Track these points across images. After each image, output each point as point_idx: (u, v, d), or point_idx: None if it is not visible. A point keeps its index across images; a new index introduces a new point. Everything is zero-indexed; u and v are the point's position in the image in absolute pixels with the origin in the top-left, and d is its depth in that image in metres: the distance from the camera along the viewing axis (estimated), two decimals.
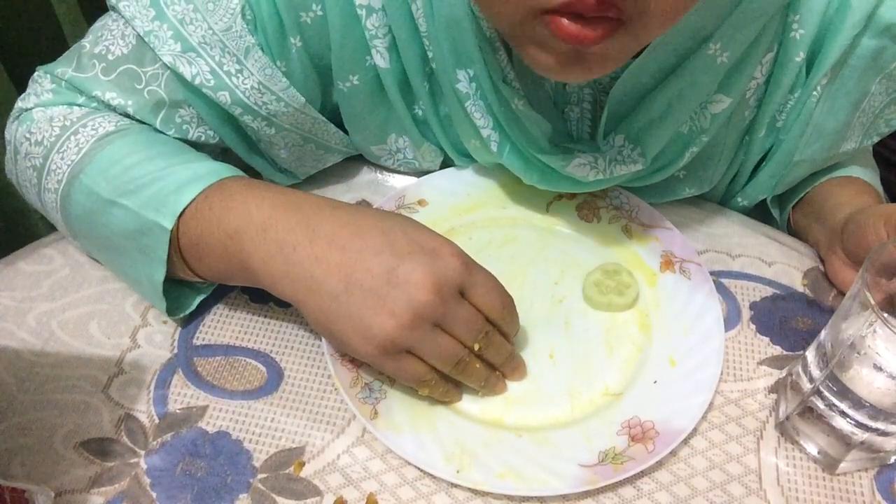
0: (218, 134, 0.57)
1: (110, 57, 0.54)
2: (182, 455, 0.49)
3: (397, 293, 0.45)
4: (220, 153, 0.60)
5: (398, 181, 0.66)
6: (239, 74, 0.53)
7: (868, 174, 0.64)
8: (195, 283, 0.54)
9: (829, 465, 0.50)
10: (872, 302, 0.42)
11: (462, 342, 0.48)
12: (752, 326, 0.57)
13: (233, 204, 0.49)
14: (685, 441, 0.50)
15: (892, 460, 0.50)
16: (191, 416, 0.51)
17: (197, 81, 0.52)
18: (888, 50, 0.52)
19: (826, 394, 0.47)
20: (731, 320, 0.57)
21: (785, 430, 0.51)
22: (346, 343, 0.47)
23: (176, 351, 0.54)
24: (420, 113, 0.60)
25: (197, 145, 0.57)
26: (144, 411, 0.51)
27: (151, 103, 0.54)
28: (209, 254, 0.50)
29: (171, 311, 0.53)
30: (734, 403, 0.53)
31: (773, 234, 0.63)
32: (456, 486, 0.48)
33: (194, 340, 0.55)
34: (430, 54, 0.55)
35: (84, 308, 0.56)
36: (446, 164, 0.65)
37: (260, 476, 0.49)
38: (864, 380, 0.45)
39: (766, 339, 0.56)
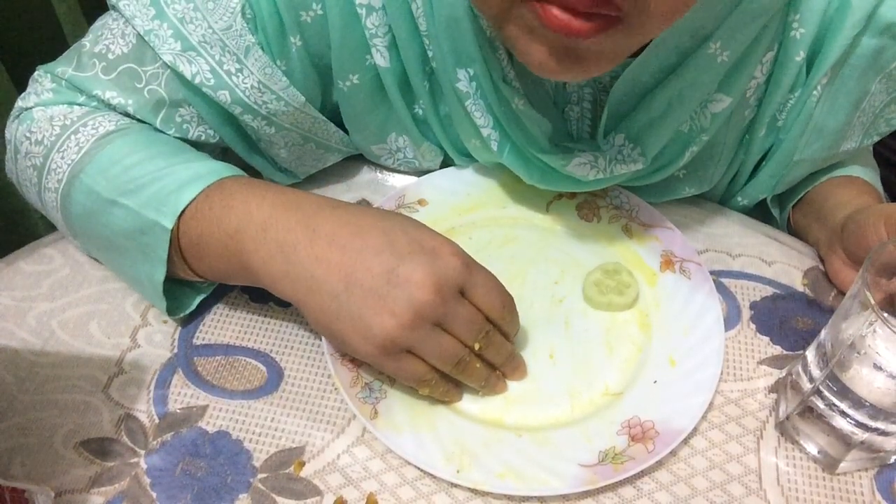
0: (218, 133, 0.57)
1: (110, 56, 0.54)
2: (182, 455, 0.49)
3: (398, 293, 0.45)
4: (221, 153, 0.60)
5: (398, 181, 0.66)
6: (239, 73, 0.53)
7: (868, 174, 0.64)
8: (195, 282, 0.54)
9: (829, 464, 0.50)
10: (872, 302, 0.42)
11: (462, 342, 0.48)
12: (752, 326, 0.57)
13: (233, 203, 0.49)
14: (685, 441, 0.50)
15: (892, 460, 0.50)
16: (191, 416, 0.51)
17: (197, 80, 0.52)
18: (888, 49, 0.52)
19: (826, 393, 0.47)
20: (731, 320, 0.57)
21: (785, 429, 0.51)
22: (347, 343, 0.47)
23: (176, 351, 0.54)
24: (420, 112, 0.60)
25: (197, 145, 0.57)
26: (144, 411, 0.51)
27: (152, 102, 0.54)
28: (209, 253, 0.50)
29: (171, 311, 0.53)
30: (734, 403, 0.53)
31: (773, 234, 0.63)
32: (456, 485, 0.48)
33: (194, 340, 0.55)
34: (430, 53, 0.55)
35: (84, 308, 0.56)
36: (446, 163, 0.65)
37: (260, 476, 0.49)
38: (864, 379, 0.45)
39: (766, 339, 0.56)
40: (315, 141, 0.60)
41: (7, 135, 0.58)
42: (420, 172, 0.65)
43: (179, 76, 0.53)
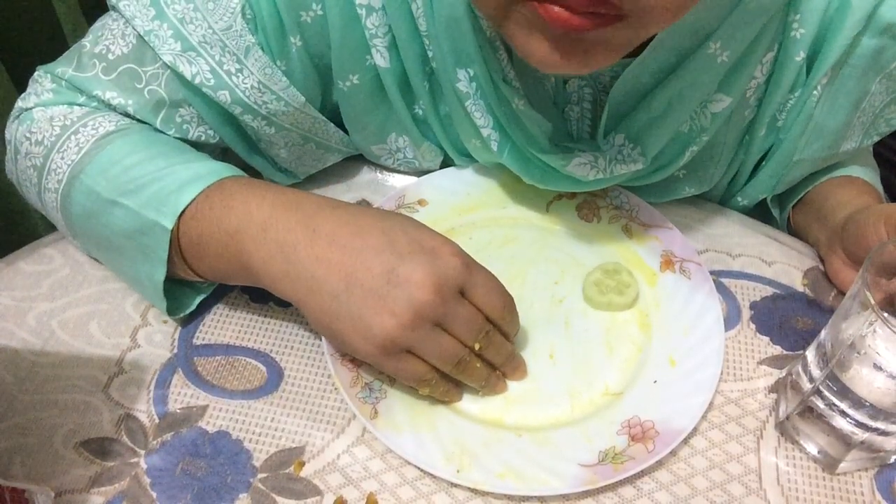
0: (218, 133, 0.57)
1: (110, 56, 0.54)
2: (182, 455, 0.49)
3: (398, 293, 0.45)
4: (221, 153, 0.60)
5: (398, 181, 0.66)
6: (239, 74, 0.53)
7: (868, 174, 0.64)
8: (195, 282, 0.54)
9: (829, 464, 0.50)
10: (872, 302, 0.42)
11: (462, 342, 0.48)
12: (752, 326, 0.57)
13: (233, 203, 0.49)
14: (685, 441, 0.50)
15: (892, 460, 0.50)
16: (191, 416, 0.51)
17: (197, 81, 0.52)
18: (888, 49, 0.52)
19: (826, 393, 0.47)
20: (731, 320, 0.57)
21: (785, 429, 0.51)
22: (347, 342, 0.47)
23: (176, 351, 0.54)
24: (420, 112, 0.60)
25: (197, 145, 0.57)
26: (144, 411, 0.51)
27: (152, 103, 0.54)
28: (209, 253, 0.50)
29: (171, 311, 0.53)
30: (734, 403, 0.53)
31: (773, 234, 0.63)
32: (456, 485, 0.48)
33: (194, 340, 0.55)
34: (430, 53, 0.55)
35: (84, 308, 0.56)
36: (446, 163, 0.65)
37: (260, 476, 0.49)
38: (864, 379, 0.45)
39: (766, 339, 0.56)
40: (315, 141, 0.60)
41: (7, 135, 0.58)
42: (420, 172, 0.65)
43: (179, 76, 0.53)
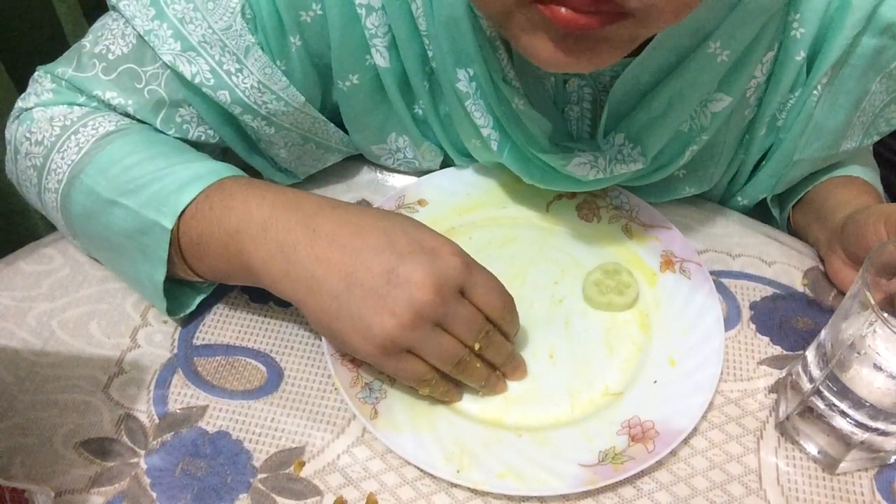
0: (218, 133, 0.57)
1: (110, 56, 0.54)
2: (182, 455, 0.49)
3: (398, 293, 0.45)
4: (221, 153, 0.60)
5: (398, 181, 0.66)
6: (239, 73, 0.53)
7: (868, 174, 0.64)
8: (195, 282, 0.54)
9: (829, 464, 0.50)
10: (872, 302, 0.42)
11: (462, 342, 0.48)
12: (752, 326, 0.57)
13: (233, 203, 0.49)
14: (685, 441, 0.50)
15: (892, 460, 0.50)
16: (191, 416, 0.51)
17: (197, 80, 0.52)
18: (889, 49, 0.52)
19: (826, 394, 0.47)
20: (731, 320, 0.57)
21: (785, 429, 0.51)
22: (347, 342, 0.47)
23: (176, 351, 0.54)
24: (420, 112, 0.60)
25: (197, 145, 0.57)
26: (144, 411, 0.51)
27: (151, 103, 0.54)
28: (209, 253, 0.50)
29: (171, 311, 0.53)
30: (734, 403, 0.53)
31: (773, 234, 0.63)
32: (456, 486, 0.48)
33: (194, 340, 0.55)
34: (430, 53, 0.55)
35: (84, 308, 0.56)
36: (446, 163, 0.65)
37: (260, 476, 0.49)
38: (864, 380, 0.45)
39: (766, 339, 0.56)
40: (315, 141, 0.60)
41: (7, 135, 0.58)
42: (420, 172, 0.65)
43: (179, 76, 0.53)
